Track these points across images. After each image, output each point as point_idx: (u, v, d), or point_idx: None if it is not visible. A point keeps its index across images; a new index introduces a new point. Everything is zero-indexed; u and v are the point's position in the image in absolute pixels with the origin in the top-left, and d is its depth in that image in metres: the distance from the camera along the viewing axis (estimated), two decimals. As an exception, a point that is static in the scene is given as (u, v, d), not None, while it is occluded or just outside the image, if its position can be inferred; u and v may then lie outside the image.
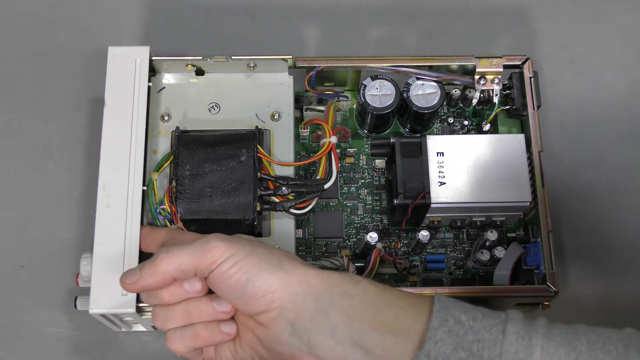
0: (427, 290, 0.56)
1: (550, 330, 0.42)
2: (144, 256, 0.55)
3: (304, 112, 0.62)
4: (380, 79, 0.61)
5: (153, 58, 0.60)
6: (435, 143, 0.59)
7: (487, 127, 0.62)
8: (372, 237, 0.57)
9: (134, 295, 0.52)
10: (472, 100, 0.62)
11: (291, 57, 0.60)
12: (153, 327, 0.60)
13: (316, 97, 0.62)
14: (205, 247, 0.45)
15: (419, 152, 0.59)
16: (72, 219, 0.64)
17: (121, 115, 0.57)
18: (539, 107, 0.61)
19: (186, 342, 0.47)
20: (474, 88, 0.62)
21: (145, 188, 0.56)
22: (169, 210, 0.55)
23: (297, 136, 0.62)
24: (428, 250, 0.61)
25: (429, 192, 0.57)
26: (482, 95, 0.62)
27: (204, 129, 0.59)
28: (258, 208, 0.55)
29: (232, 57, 0.60)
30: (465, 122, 0.64)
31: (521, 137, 0.59)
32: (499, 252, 0.58)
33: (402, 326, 0.43)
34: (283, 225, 0.57)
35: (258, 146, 0.57)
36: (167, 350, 0.61)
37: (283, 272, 0.44)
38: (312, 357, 0.44)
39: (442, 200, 0.57)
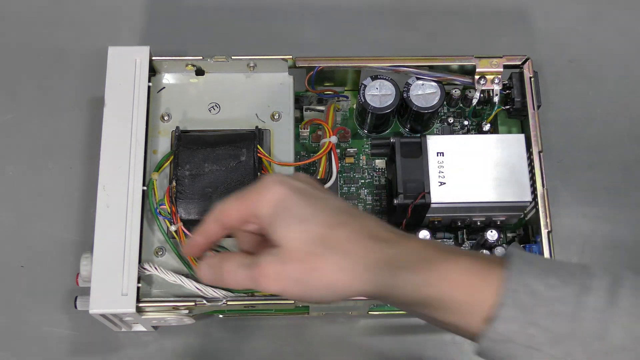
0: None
1: (635, 301, 0.38)
2: (144, 256, 0.55)
3: (304, 112, 0.62)
4: (380, 79, 0.61)
5: (153, 58, 0.60)
6: (435, 143, 0.59)
7: (487, 127, 0.62)
8: (372, 237, 0.57)
9: (134, 295, 0.52)
10: (472, 100, 0.62)
11: (291, 57, 0.60)
12: (153, 327, 0.60)
13: (316, 97, 0.62)
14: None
15: (419, 152, 0.59)
16: (72, 219, 0.64)
17: (121, 115, 0.57)
18: (539, 107, 0.61)
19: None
20: (474, 88, 0.62)
21: (145, 188, 0.56)
22: (168, 210, 0.55)
23: (297, 136, 0.62)
24: (428, 250, 0.61)
25: (429, 192, 0.57)
26: (482, 95, 0.62)
27: (204, 129, 0.59)
28: (258, 208, 0.55)
29: (232, 57, 0.60)
30: (465, 122, 0.64)
31: (521, 137, 0.59)
32: (499, 252, 0.58)
33: (472, 308, 0.40)
34: (283, 225, 0.57)
35: (258, 146, 0.57)
36: (167, 350, 0.61)
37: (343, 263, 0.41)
38: None
39: (442, 200, 0.57)
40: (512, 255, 0.40)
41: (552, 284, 0.39)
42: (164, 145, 0.59)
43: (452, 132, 0.64)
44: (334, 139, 0.59)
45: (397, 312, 0.62)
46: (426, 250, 0.41)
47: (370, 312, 0.61)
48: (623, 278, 0.39)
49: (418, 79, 0.61)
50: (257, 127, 0.59)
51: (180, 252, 0.55)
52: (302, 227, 0.41)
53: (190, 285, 0.54)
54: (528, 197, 0.57)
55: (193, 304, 0.54)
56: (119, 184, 0.55)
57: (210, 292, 0.54)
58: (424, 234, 0.58)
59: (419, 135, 0.63)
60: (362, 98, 0.60)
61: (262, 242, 0.45)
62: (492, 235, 0.58)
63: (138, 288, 0.53)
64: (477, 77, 0.61)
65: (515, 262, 0.40)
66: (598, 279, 0.39)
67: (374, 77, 0.61)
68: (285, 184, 0.43)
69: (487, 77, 0.61)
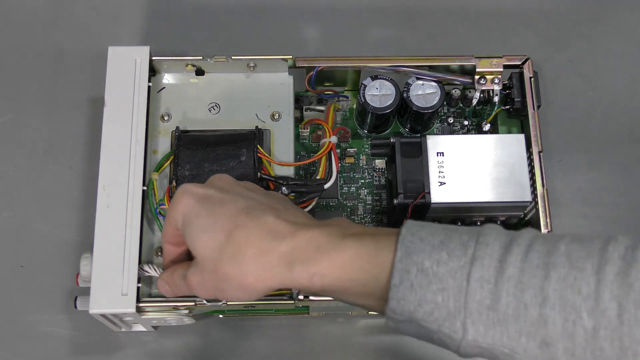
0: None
1: (523, 267, 0.38)
2: (144, 256, 0.55)
3: (304, 112, 0.62)
4: (380, 79, 0.61)
5: (153, 58, 0.60)
6: (435, 143, 0.59)
7: (487, 127, 0.62)
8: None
9: (134, 295, 0.52)
10: (472, 100, 0.62)
11: (291, 57, 0.60)
12: (153, 327, 0.60)
13: (316, 97, 0.62)
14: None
15: (419, 152, 0.59)
16: (72, 219, 0.64)
17: (121, 115, 0.57)
18: (539, 107, 0.61)
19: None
20: (474, 88, 0.62)
21: (145, 188, 0.56)
22: (169, 210, 0.55)
23: (297, 136, 0.62)
24: (428, 250, 0.61)
25: (429, 192, 0.57)
26: (482, 95, 0.62)
27: (204, 129, 0.59)
28: (258, 208, 0.55)
29: (232, 57, 0.60)
30: (465, 122, 0.64)
31: (521, 137, 0.59)
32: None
33: (369, 289, 0.42)
34: (283, 225, 0.57)
35: (258, 146, 0.57)
36: (167, 350, 0.61)
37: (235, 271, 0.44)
38: None
39: (442, 200, 0.57)
40: (403, 234, 0.42)
41: (441, 259, 0.40)
42: (164, 145, 0.59)
43: (452, 132, 0.64)
44: (334, 139, 0.59)
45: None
46: (319, 239, 0.43)
47: (370, 312, 0.61)
48: (513, 244, 0.39)
49: (418, 79, 0.61)
50: (257, 127, 0.59)
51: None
52: (205, 237, 0.44)
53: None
54: (528, 197, 0.57)
55: (193, 304, 0.54)
56: (119, 184, 0.55)
57: None
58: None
59: (419, 135, 0.63)
60: (362, 98, 0.60)
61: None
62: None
63: (138, 288, 0.53)
64: (477, 77, 0.61)
65: (406, 239, 0.41)
66: (489, 248, 0.39)
67: (374, 77, 0.61)
68: (190, 195, 0.46)
69: (487, 77, 0.61)
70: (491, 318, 0.38)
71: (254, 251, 0.43)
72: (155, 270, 0.54)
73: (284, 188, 0.56)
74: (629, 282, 0.36)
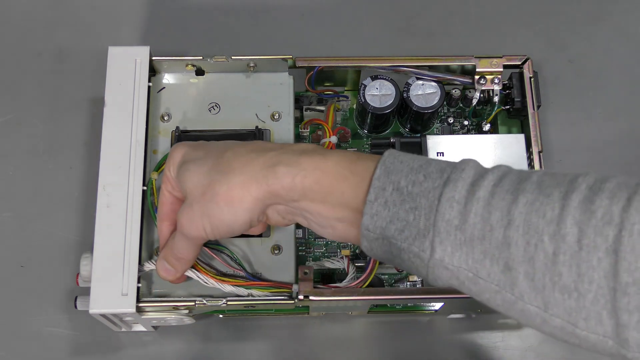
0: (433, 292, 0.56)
1: (494, 190, 0.39)
2: (143, 256, 0.55)
3: (304, 112, 0.62)
4: (380, 79, 0.61)
5: (153, 58, 0.60)
6: (435, 143, 0.59)
7: (487, 127, 0.62)
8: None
9: (134, 295, 0.52)
10: (472, 100, 0.62)
11: (291, 57, 0.60)
12: (153, 327, 0.60)
13: (316, 97, 0.62)
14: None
15: (419, 152, 0.59)
16: (72, 219, 0.64)
17: (121, 115, 0.57)
18: (539, 107, 0.61)
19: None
20: (474, 88, 0.62)
21: (145, 188, 0.56)
22: (169, 210, 0.55)
23: (297, 136, 0.62)
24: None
25: (429, 192, 0.57)
26: (482, 95, 0.62)
27: (204, 129, 0.59)
28: (258, 208, 0.55)
29: (232, 57, 0.60)
30: (465, 122, 0.64)
31: (521, 137, 0.59)
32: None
33: (347, 199, 0.43)
34: (283, 225, 0.57)
35: (258, 146, 0.57)
36: (167, 350, 0.61)
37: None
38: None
39: (442, 200, 0.57)
40: (385, 155, 0.42)
41: (417, 180, 0.40)
42: (164, 145, 0.59)
43: (452, 132, 0.64)
44: (334, 139, 0.59)
45: (397, 312, 0.62)
46: (305, 147, 0.45)
47: (370, 312, 0.61)
48: (488, 172, 0.40)
49: (418, 79, 0.61)
50: (257, 127, 0.59)
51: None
52: (196, 167, 0.46)
53: (193, 276, 0.54)
54: (528, 197, 0.57)
55: (193, 304, 0.54)
56: (119, 184, 0.55)
57: (211, 281, 0.54)
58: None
59: (419, 135, 0.63)
60: (362, 98, 0.60)
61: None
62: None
63: (138, 288, 0.53)
64: (477, 77, 0.61)
65: (387, 160, 0.42)
66: (465, 173, 0.40)
67: (374, 77, 0.61)
68: (184, 145, 0.49)
69: (487, 77, 0.61)
70: (458, 238, 0.38)
71: (240, 165, 0.45)
72: (153, 264, 0.54)
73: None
74: (592, 209, 0.36)
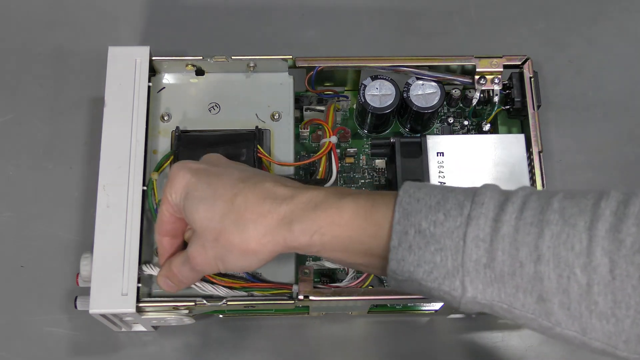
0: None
1: (517, 225, 0.39)
2: (144, 256, 0.55)
3: (304, 112, 0.62)
4: (380, 79, 0.61)
5: (153, 58, 0.60)
6: (435, 143, 0.59)
7: (487, 127, 0.62)
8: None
9: (134, 295, 0.52)
10: (472, 100, 0.62)
11: (291, 57, 0.60)
12: (153, 327, 0.60)
13: (316, 97, 0.62)
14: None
15: (419, 152, 0.59)
16: (72, 219, 0.64)
17: (121, 115, 0.57)
18: (539, 107, 0.61)
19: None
20: (474, 88, 0.62)
21: (145, 188, 0.56)
22: (169, 210, 0.55)
23: (297, 136, 0.62)
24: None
25: (429, 192, 0.57)
26: (482, 95, 0.62)
27: (204, 129, 0.59)
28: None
29: (232, 57, 0.60)
30: (465, 122, 0.64)
31: (521, 137, 0.59)
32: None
33: (367, 248, 0.43)
34: (283, 225, 0.57)
35: (258, 146, 0.57)
36: (167, 350, 0.61)
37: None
38: None
39: (442, 200, 0.57)
40: (401, 195, 0.42)
41: (437, 220, 0.40)
42: (164, 145, 0.59)
43: (452, 132, 0.64)
44: (334, 139, 0.59)
45: (397, 312, 0.62)
46: (317, 199, 0.44)
47: (370, 312, 0.61)
48: (508, 202, 0.40)
49: (418, 79, 0.61)
50: (257, 127, 0.59)
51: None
52: (206, 208, 0.45)
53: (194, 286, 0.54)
54: (528, 197, 0.57)
55: (193, 304, 0.54)
56: (119, 184, 0.55)
57: (210, 288, 0.54)
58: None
59: (419, 135, 0.63)
60: (362, 98, 0.60)
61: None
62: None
63: (138, 288, 0.53)
64: (477, 77, 0.61)
65: (404, 201, 0.41)
66: (484, 207, 0.40)
67: (374, 77, 0.61)
68: (186, 169, 0.47)
69: (487, 77, 0.61)
70: (488, 276, 0.39)
71: (254, 216, 0.44)
72: (153, 269, 0.54)
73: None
74: (620, 238, 0.37)
